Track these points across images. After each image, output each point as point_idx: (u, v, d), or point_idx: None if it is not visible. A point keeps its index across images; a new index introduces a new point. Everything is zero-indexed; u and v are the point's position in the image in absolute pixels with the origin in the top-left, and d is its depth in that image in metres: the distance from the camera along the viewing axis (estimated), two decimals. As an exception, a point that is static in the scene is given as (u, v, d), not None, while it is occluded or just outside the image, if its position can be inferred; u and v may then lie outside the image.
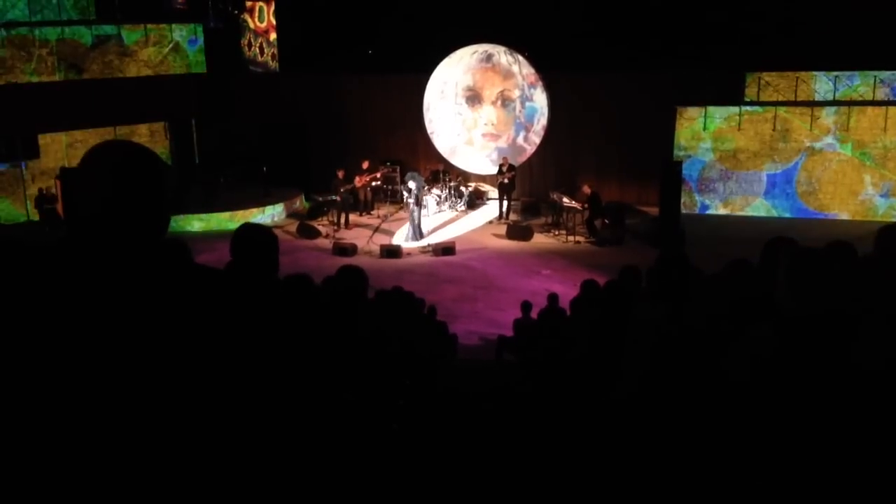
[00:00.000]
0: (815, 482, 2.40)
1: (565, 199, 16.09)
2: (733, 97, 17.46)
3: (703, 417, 2.89)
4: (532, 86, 18.93)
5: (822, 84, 17.34)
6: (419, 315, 8.58)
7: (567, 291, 9.55)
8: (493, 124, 19.36)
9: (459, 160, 19.51)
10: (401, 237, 15.99)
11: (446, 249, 15.07)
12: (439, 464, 4.52)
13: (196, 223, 16.99)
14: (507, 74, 19.13)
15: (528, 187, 18.98)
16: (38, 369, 1.54)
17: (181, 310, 1.66)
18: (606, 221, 15.94)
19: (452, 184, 18.47)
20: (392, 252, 14.81)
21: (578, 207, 15.92)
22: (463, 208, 18.29)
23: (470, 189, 18.75)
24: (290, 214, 18.35)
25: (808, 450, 2.42)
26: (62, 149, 18.07)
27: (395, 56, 18.78)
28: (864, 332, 2.56)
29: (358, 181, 17.39)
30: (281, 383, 2.06)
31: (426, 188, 17.07)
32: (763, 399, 2.52)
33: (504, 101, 19.22)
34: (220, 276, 1.82)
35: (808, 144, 16.90)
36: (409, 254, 15.09)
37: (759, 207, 17.34)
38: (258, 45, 21.21)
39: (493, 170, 18.39)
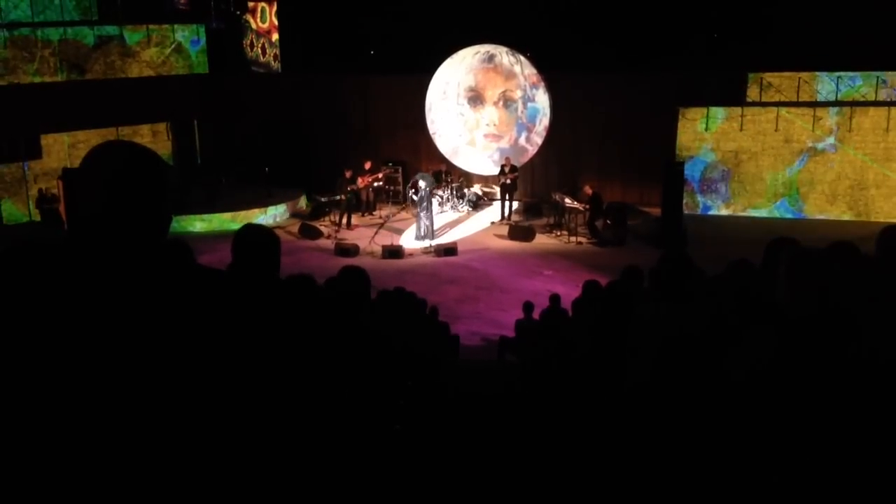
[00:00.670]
0: (816, 481, 2.40)
1: (567, 200, 16.07)
2: (735, 98, 17.45)
3: (706, 417, 2.89)
4: (534, 86, 18.92)
5: (824, 84, 17.33)
6: (421, 316, 8.57)
7: (569, 292, 9.56)
8: (495, 125, 19.34)
9: (461, 161, 19.50)
10: (410, 236, 15.99)
11: (448, 250, 15.08)
12: (442, 464, 4.53)
13: (198, 224, 17.00)
14: (510, 75, 19.12)
15: (530, 188, 18.99)
16: (40, 370, 1.55)
17: (183, 311, 1.66)
18: (608, 222, 15.92)
19: (455, 185, 18.47)
20: (394, 252, 14.83)
21: (580, 208, 15.91)
22: (465, 209, 18.30)
23: (479, 193, 18.76)
24: (293, 215, 18.35)
25: (809, 450, 2.42)
26: (64, 149, 18.11)
27: (396, 57, 18.77)
28: (865, 333, 2.56)
29: (360, 182, 17.40)
30: (283, 384, 2.06)
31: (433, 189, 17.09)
32: (765, 399, 2.52)
33: (506, 101, 19.20)
34: (221, 277, 1.82)
35: (810, 145, 16.89)
36: (411, 254, 15.10)
37: (760, 208, 17.33)
38: (260, 45, 21.21)
39: (496, 170, 18.39)
